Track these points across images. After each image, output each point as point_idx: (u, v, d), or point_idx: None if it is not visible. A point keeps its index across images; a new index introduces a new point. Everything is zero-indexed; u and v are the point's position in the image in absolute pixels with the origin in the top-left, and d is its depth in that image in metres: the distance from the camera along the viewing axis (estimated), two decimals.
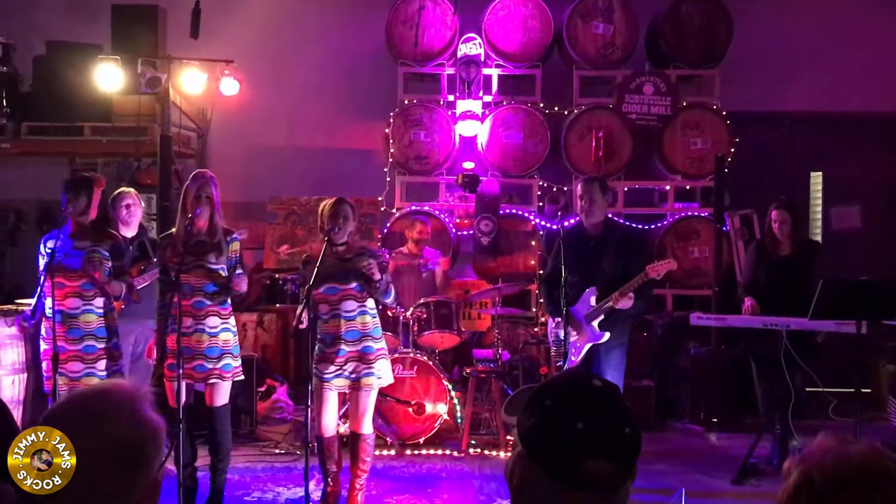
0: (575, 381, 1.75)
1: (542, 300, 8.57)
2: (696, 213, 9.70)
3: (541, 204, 9.80)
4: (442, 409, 7.62)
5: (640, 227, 9.60)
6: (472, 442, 7.67)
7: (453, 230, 9.56)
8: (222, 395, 5.82)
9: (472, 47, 9.84)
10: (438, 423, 7.64)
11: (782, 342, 6.54)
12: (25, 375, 6.82)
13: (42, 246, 5.99)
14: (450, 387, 7.66)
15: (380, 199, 9.78)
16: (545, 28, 9.81)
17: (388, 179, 9.90)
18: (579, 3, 9.80)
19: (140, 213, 7.22)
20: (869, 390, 8.62)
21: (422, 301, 7.91)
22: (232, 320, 5.89)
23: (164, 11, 9.72)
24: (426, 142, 9.75)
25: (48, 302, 5.77)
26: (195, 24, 8.91)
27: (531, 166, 9.77)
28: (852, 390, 6.60)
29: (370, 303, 5.88)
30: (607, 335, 6.33)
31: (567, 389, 1.72)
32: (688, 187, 10.00)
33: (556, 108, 9.98)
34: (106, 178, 7.04)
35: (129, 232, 6.95)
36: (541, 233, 9.51)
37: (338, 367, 5.77)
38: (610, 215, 6.89)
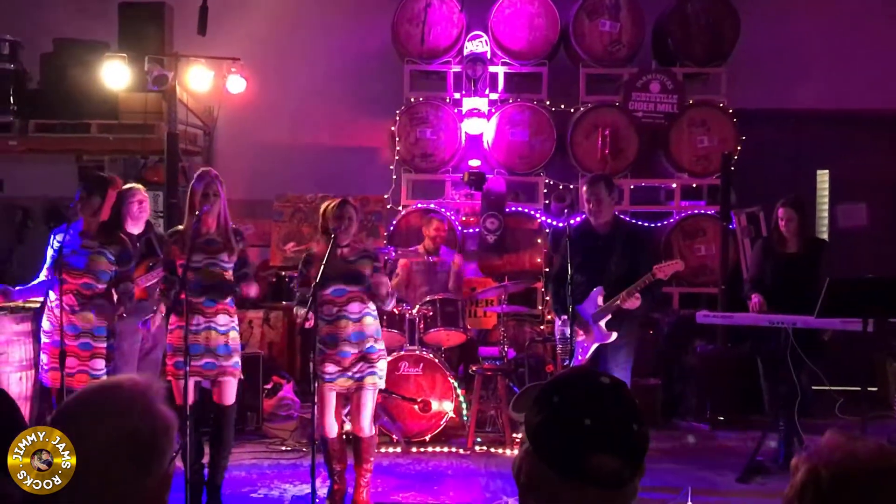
0: (583, 377, 1.76)
1: (548, 298, 8.58)
2: (702, 211, 9.69)
3: (547, 202, 9.80)
4: (448, 406, 7.63)
5: (646, 224, 9.59)
6: (478, 439, 7.67)
7: (459, 228, 9.56)
8: (231, 393, 5.84)
9: (478, 45, 9.85)
10: (444, 420, 7.65)
11: (788, 340, 6.54)
12: (32, 372, 6.83)
13: (52, 238, 6.02)
14: (456, 384, 7.67)
15: (386, 196, 9.79)
16: (551, 26, 9.81)
17: (394, 177, 9.90)
18: (586, 0, 9.79)
19: (149, 210, 7.24)
20: (875, 389, 8.60)
21: (428, 299, 7.91)
22: (236, 318, 5.94)
23: (172, 9, 9.74)
24: (432, 139, 9.75)
25: (52, 296, 5.78)
26: (202, 22, 8.91)
27: (537, 164, 9.77)
28: (859, 388, 6.60)
29: (372, 304, 5.91)
30: (615, 335, 6.32)
31: (575, 386, 1.72)
32: (694, 185, 9.98)
33: (562, 106, 9.97)
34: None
35: (137, 229, 6.96)
36: (547, 231, 9.53)
37: (342, 368, 5.79)
38: (617, 213, 6.88)
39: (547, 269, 9.22)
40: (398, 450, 7.51)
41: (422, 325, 7.82)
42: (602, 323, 6.32)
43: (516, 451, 1.80)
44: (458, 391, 7.70)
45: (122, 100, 9.33)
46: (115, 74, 8.72)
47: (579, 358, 6.35)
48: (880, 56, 10.28)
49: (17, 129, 9.38)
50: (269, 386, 8.45)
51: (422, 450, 7.55)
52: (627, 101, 9.69)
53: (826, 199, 10.38)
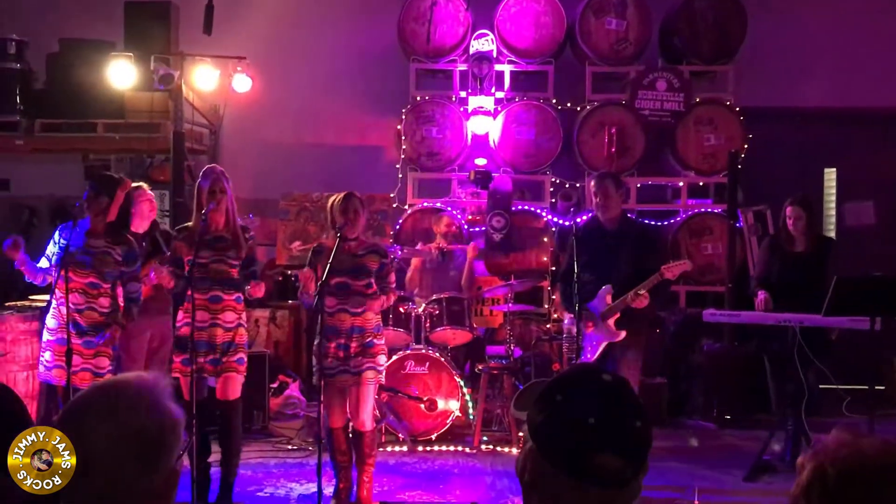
0: (585, 375, 1.75)
1: (553, 297, 8.57)
2: (709, 210, 9.66)
3: (553, 200, 9.78)
4: (454, 405, 7.62)
5: (655, 223, 9.56)
6: (485, 438, 7.66)
7: (465, 227, 9.55)
8: (235, 389, 5.86)
9: (484, 43, 9.83)
10: (450, 419, 7.64)
11: (796, 339, 6.52)
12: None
13: (57, 233, 6.02)
14: (462, 383, 7.66)
15: (392, 195, 9.78)
16: (558, 24, 9.79)
17: (400, 176, 9.90)
18: None
19: (156, 210, 7.27)
20: (883, 387, 8.57)
21: (434, 297, 7.91)
22: (244, 315, 5.95)
23: (177, 8, 9.74)
24: (438, 138, 9.74)
25: (57, 293, 5.78)
26: (208, 21, 8.92)
27: (543, 162, 9.76)
28: (866, 387, 6.58)
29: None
30: (623, 334, 6.31)
31: (577, 384, 1.72)
32: (701, 183, 9.95)
33: (568, 105, 9.96)
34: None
35: (143, 228, 6.96)
36: (553, 229, 9.52)
37: (340, 362, 5.80)
38: (625, 211, 6.87)
39: (553, 268, 9.21)
40: (404, 448, 7.50)
41: (428, 324, 7.82)
42: (611, 321, 6.30)
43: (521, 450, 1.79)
44: (465, 390, 7.70)
45: (128, 99, 9.33)
46: (121, 74, 8.74)
47: (588, 357, 6.33)
48: (888, 54, 10.24)
49: (24, 129, 9.39)
50: (275, 385, 8.46)
51: (428, 448, 7.55)
52: (634, 100, 9.66)
53: (833, 197, 10.35)
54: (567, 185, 9.87)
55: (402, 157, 9.79)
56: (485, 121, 9.65)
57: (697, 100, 9.76)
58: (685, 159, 9.75)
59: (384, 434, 7.62)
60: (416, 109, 9.76)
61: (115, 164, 9.75)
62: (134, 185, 7.02)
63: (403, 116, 9.73)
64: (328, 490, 6.06)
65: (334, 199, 5.92)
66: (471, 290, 8.56)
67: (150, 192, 7.10)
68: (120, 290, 6.01)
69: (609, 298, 6.30)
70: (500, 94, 9.86)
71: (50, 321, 5.90)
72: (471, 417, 7.76)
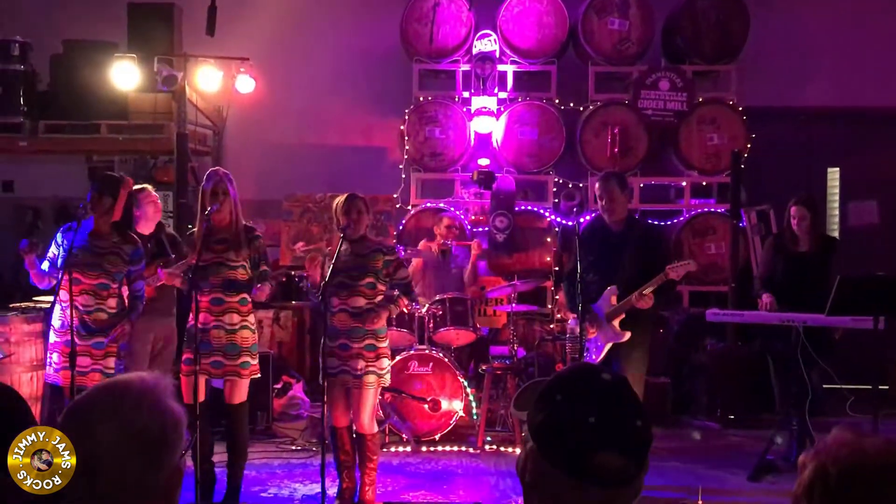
0: (584, 375, 1.75)
1: (557, 297, 8.56)
2: (712, 209, 9.66)
3: (556, 200, 9.79)
4: (458, 405, 7.62)
5: (661, 223, 9.55)
6: (488, 438, 7.67)
7: (469, 227, 9.55)
8: (240, 393, 5.86)
9: (487, 44, 9.84)
10: (454, 419, 7.64)
11: (799, 338, 6.51)
12: (43, 372, 6.86)
13: (59, 235, 6.02)
14: (465, 383, 7.66)
15: (395, 196, 9.79)
16: (560, 24, 9.79)
17: (404, 176, 9.90)
18: None
19: (160, 211, 7.28)
20: (887, 387, 8.55)
21: (437, 298, 7.91)
22: (251, 318, 5.93)
23: (181, 9, 9.75)
24: (441, 138, 9.75)
25: (62, 295, 5.79)
26: (211, 22, 8.92)
27: (546, 163, 9.76)
28: (870, 386, 6.57)
29: (377, 300, 5.91)
30: (628, 335, 6.28)
31: (576, 384, 1.72)
32: (704, 183, 9.96)
33: (571, 105, 9.96)
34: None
35: (148, 229, 6.98)
36: (556, 229, 9.52)
37: (341, 363, 5.80)
38: (631, 212, 6.85)
39: (556, 268, 9.22)
40: (408, 449, 7.51)
41: (431, 325, 7.82)
42: (616, 322, 6.28)
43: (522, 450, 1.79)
44: (468, 390, 7.70)
45: (132, 100, 9.34)
46: (124, 75, 8.74)
47: (593, 358, 6.32)
48: (891, 53, 10.24)
49: (27, 130, 9.40)
50: (278, 385, 8.46)
51: (431, 449, 7.55)
52: (637, 99, 9.67)
53: (836, 197, 10.34)
54: (570, 186, 9.87)
55: (406, 157, 9.80)
56: (488, 121, 9.66)
57: (700, 99, 9.76)
58: (688, 159, 9.75)
59: (388, 434, 7.62)
60: (419, 110, 9.76)
61: (119, 165, 9.77)
62: (139, 186, 7.03)
63: (406, 117, 9.74)
64: (332, 490, 6.07)
65: (338, 201, 5.94)
66: (473, 287, 8.55)
67: (154, 193, 7.11)
68: (125, 290, 6.03)
69: (614, 299, 6.28)
70: (502, 95, 9.87)
71: (56, 323, 5.91)
72: (474, 418, 7.76)
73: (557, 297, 8.70)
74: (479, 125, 9.67)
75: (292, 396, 8.52)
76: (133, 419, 1.83)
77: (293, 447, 7.62)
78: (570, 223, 9.06)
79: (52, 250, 6.04)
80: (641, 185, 9.80)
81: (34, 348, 6.91)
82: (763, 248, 7.74)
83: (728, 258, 9.11)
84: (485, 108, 9.69)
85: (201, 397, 5.62)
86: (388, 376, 6.02)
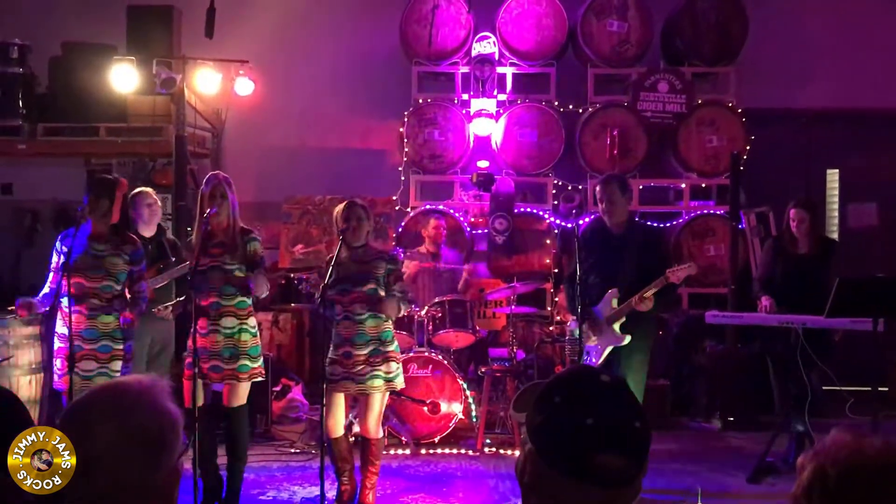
0: (582, 376, 1.75)
1: (557, 299, 8.56)
2: (711, 211, 9.66)
3: (556, 202, 9.79)
4: (457, 408, 7.61)
5: (661, 225, 9.54)
6: (488, 441, 7.66)
7: (468, 229, 9.55)
8: (239, 397, 5.84)
9: (486, 46, 9.84)
10: (453, 422, 7.64)
11: (798, 340, 6.51)
12: (42, 375, 6.85)
13: (59, 243, 6.01)
14: (465, 386, 7.66)
15: (394, 198, 9.79)
16: (559, 26, 9.80)
17: (403, 178, 9.91)
18: (594, 0, 9.77)
19: (160, 213, 7.27)
20: (886, 389, 8.54)
21: (437, 300, 7.90)
22: (251, 321, 5.90)
23: (179, 12, 9.75)
24: (440, 141, 9.75)
25: (64, 301, 5.78)
26: (210, 25, 8.93)
27: (546, 165, 9.76)
28: (869, 388, 6.56)
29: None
30: (628, 338, 6.26)
31: (575, 385, 1.71)
32: (703, 185, 9.96)
33: (570, 107, 9.97)
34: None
35: (149, 232, 6.98)
36: (556, 231, 9.52)
37: (346, 370, 5.79)
38: (632, 214, 6.84)
39: (556, 270, 9.21)
40: (407, 452, 7.50)
41: (430, 327, 7.81)
42: (616, 325, 6.27)
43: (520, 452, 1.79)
44: (467, 392, 7.69)
45: (131, 103, 9.35)
46: (123, 77, 8.74)
47: (593, 362, 6.30)
48: (890, 55, 10.24)
49: (26, 133, 9.39)
50: (277, 388, 8.46)
51: (431, 451, 7.55)
52: (636, 101, 9.67)
53: (836, 198, 10.34)
54: (569, 188, 9.88)
55: (405, 159, 9.79)
56: (487, 123, 9.66)
57: (699, 101, 9.77)
58: (687, 161, 9.75)
59: (387, 437, 7.61)
60: (418, 112, 9.76)
61: (118, 167, 9.75)
62: (138, 189, 7.04)
63: (406, 119, 9.74)
64: (331, 493, 6.06)
65: (338, 209, 5.94)
66: (467, 294, 8.54)
67: (152, 196, 7.10)
68: (127, 292, 6.02)
69: (615, 302, 6.26)
70: (502, 97, 9.87)
71: (60, 328, 5.89)
72: (474, 420, 7.75)
73: (557, 299, 8.71)
74: (478, 127, 9.67)
75: (291, 399, 8.52)
76: (131, 420, 1.85)
77: (292, 450, 7.61)
78: (569, 225, 9.06)
79: (55, 259, 6.02)
80: (640, 187, 9.79)
81: (33, 351, 6.89)
82: (762, 250, 7.73)
83: (727, 260, 9.10)
84: (484, 110, 9.69)
85: (201, 401, 5.61)
86: (398, 380, 5.95)
